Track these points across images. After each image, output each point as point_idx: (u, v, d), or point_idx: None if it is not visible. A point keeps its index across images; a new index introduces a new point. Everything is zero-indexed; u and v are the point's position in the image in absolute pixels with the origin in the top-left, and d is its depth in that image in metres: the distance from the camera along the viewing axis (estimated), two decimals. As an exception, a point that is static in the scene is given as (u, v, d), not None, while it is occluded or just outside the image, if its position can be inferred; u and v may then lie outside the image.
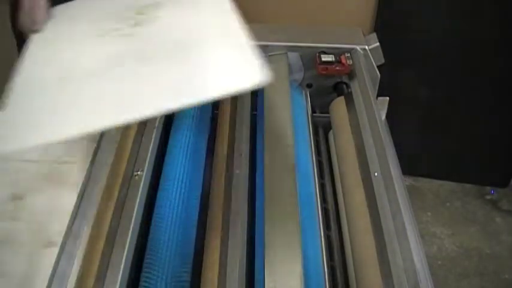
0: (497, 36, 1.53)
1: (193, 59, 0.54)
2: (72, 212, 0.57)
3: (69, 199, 0.67)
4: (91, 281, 0.54)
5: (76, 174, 0.71)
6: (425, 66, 1.62)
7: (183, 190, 0.63)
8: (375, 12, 1.56)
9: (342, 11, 1.53)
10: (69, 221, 0.56)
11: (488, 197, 1.78)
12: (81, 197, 0.58)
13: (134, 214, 0.57)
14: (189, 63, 0.54)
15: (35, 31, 0.68)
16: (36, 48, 0.63)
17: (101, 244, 0.57)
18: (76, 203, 0.57)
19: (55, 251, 0.60)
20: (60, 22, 0.68)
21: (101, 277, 0.51)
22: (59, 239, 0.61)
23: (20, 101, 0.53)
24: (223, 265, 0.52)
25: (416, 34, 1.57)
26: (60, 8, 0.70)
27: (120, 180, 0.64)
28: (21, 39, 1.15)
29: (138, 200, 0.58)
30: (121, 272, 0.51)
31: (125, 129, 0.73)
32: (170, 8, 0.64)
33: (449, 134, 1.73)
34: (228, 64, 0.53)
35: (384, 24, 1.55)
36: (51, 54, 0.61)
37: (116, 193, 0.62)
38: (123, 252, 0.53)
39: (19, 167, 0.73)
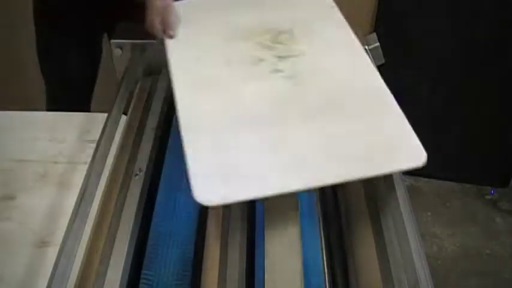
0: (497, 36, 1.53)
1: (356, 124, 0.55)
2: (72, 212, 0.57)
3: (63, 199, 0.67)
4: (91, 281, 0.54)
5: (71, 174, 0.71)
6: (425, 66, 1.62)
7: (182, 190, 0.63)
8: (375, 12, 1.56)
9: (341, 11, 1.53)
10: (69, 221, 0.56)
11: (488, 197, 1.78)
12: (81, 197, 0.58)
13: (134, 214, 0.57)
14: (353, 130, 0.54)
15: (169, 36, 0.67)
16: (184, 68, 0.63)
17: (101, 244, 0.57)
18: (76, 203, 0.57)
19: (48, 250, 0.60)
20: (191, 30, 0.67)
21: (101, 277, 0.51)
22: (52, 239, 0.61)
23: (200, 144, 0.53)
24: (223, 265, 0.52)
25: (416, 34, 1.56)
26: (181, 7, 0.70)
27: (120, 180, 0.64)
28: (43, 32, 1.14)
29: (138, 200, 0.58)
30: (121, 272, 0.51)
31: (125, 129, 0.73)
32: (305, 41, 0.65)
33: (449, 134, 1.73)
34: (392, 139, 0.54)
35: (384, 24, 1.55)
36: (204, 77, 0.61)
37: (116, 193, 0.62)
38: (123, 252, 0.53)
39: (13, 167, 0.72)
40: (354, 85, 0.60)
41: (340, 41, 0.66)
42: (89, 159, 0.62)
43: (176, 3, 0.72)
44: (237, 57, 0.63)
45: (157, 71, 0.81)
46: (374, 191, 0.60)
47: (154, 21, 0.68)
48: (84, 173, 0.60)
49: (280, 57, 0.63)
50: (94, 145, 0.64)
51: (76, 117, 0.81)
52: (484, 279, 1.52)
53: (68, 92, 1.22)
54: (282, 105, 0.57)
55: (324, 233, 0.62)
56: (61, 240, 0.52)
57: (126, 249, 0.53)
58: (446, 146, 1.74)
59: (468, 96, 1.65)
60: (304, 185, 0.50)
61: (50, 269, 0.50)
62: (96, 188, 0.59)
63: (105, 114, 0.69)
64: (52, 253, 0.53)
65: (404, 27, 1.56)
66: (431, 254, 1.57)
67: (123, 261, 0.52)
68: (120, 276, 0.51)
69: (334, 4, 0.73)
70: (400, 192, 0.56)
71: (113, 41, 0.82)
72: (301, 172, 0.51)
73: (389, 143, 0.53)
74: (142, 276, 0.54)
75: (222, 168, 0.50)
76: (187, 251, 0.57)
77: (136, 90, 0.79)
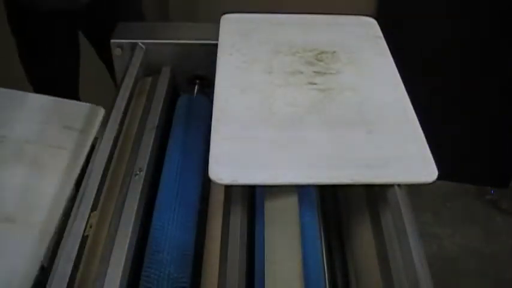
0: (497, 36, 1.53)
1: (374, 136, 0.59)
2: (72, 211, 0.57)
3: (34, 179, 0.66)
4: (91, 281, 0.54)
5: (45, 156, 0.70)
6: (425, 67, 1.62)
7: (182, 190, 0.63)
8: (374, 12, 1.56)
9: (340, 11, 1.53)
10: (69, 220, 0.56)
11: (488, 197, 1.78)
12: (81, 196, 0.58)
13: (134, 214, 0.57)
14: (370, 140, 0.58)
15: None
16: (228, 71, 0.67)
17: (101, 244, 0.57)
18: (76, 203, 0.57)
19: (12, 227, 0.59)
20: (244, 40, 0.73)
21: (101, 277, 0.51)
22: (18, 217, 0.60)
23: (224, 132, 0.58)
24: (223, 265, 0.52)
25: (416, 34, 1.56)
26: (238, 19, 0.77)
27: (120, 180, 0.64)
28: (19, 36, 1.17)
29: (138, 200, 0.58)
30: (121, 272, 0.51)
31: (125, 129, 0.73)
32: (345, 62, 0.70)
33: (449, 134, 1.73)
34: (407, 153, 0.57)
35: (384, 24, 1.55)
36: (244, 81, 0.66)
37: (116, 193, 0.62)
38: (123, 252, 0.53)
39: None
40: (382, 103, 0.64)
41: (378, 66, 0.71)
42: (66, 145, 0.61)
43: (233, 15, 0.77)
44: (279, 68, 0.69)
45: (157, 71, 0.81)
46: (374, 191, 0.60)
47: None
48: (59, 157, 0.60)
49: (317, 73, 0.68)
50: (74, 132, 0.63)
51: (63, 105, 0.80)
52: (484, 279, 1.52)
53: (55, 91, 1.25)
54: (307, 111, 0.62)
55: (323, 232, 0.62)
56: (27, 217, 0.51)
57: (126, 249, 0.53)
58: (446, 146, 1.74)
59: (468, 96, 1.65)
60: (307, 181, 0.55)
61: (13, 246, 0.48)
62: (96, 188, 0.59)
63: (92, 105, 0.69)
64: (15, 229, 0.51)
65: (403, 27, 1.56)
66: (431, 254, 1.57)
67: (123, 261, 0.52)
68: (120, 276, 0.51)
69: (381, 35, 0.80)
70: (400, 192, 0.56)
71: (112, 41, 0.82)
72: (310, 169, 0.55)
73: (404, 156, 0.57)
74: (142, 276, 0.54)
75: (238, 155, 0.55)
76: (187, 251, 0.57)
77: (136, 90, 0.79)
